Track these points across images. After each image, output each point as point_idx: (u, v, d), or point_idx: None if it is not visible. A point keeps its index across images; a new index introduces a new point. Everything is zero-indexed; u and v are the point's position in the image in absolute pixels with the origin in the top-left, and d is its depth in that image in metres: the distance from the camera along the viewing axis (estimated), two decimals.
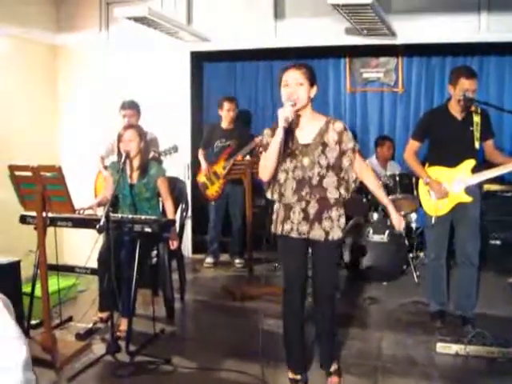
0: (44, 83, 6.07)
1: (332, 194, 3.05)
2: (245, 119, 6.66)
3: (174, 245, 4.30)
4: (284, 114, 2.90)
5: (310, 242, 3.14)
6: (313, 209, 3.05)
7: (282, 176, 3.08)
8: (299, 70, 3.02)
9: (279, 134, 2.91)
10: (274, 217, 3.19)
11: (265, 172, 3.07)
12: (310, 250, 3.21)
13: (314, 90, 3.06)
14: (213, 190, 5.86)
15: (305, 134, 3.07)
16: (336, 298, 3.37)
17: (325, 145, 3.03)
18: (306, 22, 5.64)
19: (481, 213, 4.17)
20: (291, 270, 3.17)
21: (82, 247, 4.10)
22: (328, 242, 3.08)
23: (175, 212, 4.44)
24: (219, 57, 6.55)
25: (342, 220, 3.12)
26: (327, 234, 3.06)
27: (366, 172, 3.20)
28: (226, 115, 5.84)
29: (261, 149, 3.17)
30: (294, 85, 2.99)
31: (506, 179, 5.41)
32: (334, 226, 3.07)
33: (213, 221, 6.01)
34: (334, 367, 3.32)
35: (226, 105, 5.82)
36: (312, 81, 3.04)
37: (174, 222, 4.13)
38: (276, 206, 3.19)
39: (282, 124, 2.89)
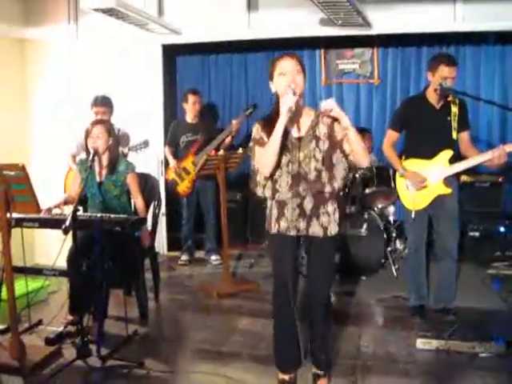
0: (12, 78, 5.89)
1: (328, 189, 2.95)
2: (212, 113, 6.54)
3: (145, 243, 4.17)
4: (288, 103, 2.77)
5: (305, 239, 3.03)
6: (309, 204, 2.95)
7: (276, 172, 2.96)
8: (295, 58, 2.91)
9: (281, 125, 2.80)
10: (268, 215, 3.08)
11: (266, 168, 2.93)
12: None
13: (305, 80, 2.97)
14: (183, 186, 5.72)
15: (298, 126, 2.96)
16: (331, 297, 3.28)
17: (318, 138, 2.93)
18: (280, 13, 5.53)
19: (459, 204, 4.12)
20: (285, 269, 3.01)
21: (54, 246, 3.97)
22: (326, 238, 2.99)
23: (147, 209, 4.32)
24: (192, 50, 6.42)
25: (337, 214, 3.02)
26: (325, 229, 2.97)
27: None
28: (191, 108, 5.72)
29: (251, 143, 3.04)
30: (293, 72, 2.87)
31: (483, 170, 5.36)
32: (332, 221, 2.99)
33: (185, 217, 5.89)
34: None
35: (191, 98, 5.69)
36: (304, 71, 2.95)
37: (144, 220, 4.00)
38: (269, 203, 3.07)
39: (285, 115, 2.77)
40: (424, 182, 3.94)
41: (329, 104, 2.81)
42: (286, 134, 2.88)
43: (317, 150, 2.92)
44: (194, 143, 5.68)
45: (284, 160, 2.93)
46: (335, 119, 2.90)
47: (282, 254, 3.01)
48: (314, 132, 2.94)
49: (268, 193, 3.02)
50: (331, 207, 2.99)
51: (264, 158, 2.94)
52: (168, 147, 5.81)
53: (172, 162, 5.73)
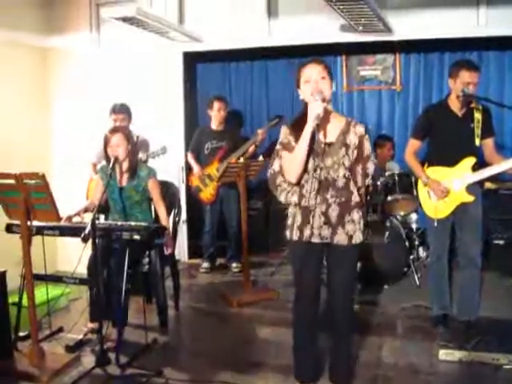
0: (35, 87, 5.93)
1: (355, 198, 2.93)
2: (236, 120, 6.54)
3: (168, 250, 4.17)
4: (316, 110, 2.75)
5: (328, 247, 2.98)
6: (334, 212, 2.91)
7: (301, 177, 2.92)
8: (321, 65, 2.89)
9: (308, 132, 2.78)
10: (290, 221, 3.02)
11: (293, 174, 2.90)
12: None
13: (333, 86, 2.93)
14: (207, 193, 5.71)
15: (327, 132, 2.92)
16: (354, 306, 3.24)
17: (347, 146, 2.89)
18: (300, 19, 5.51)
19: (483, 212, 4.04)
20: (308, 277, 2.98)
21: (76, 254, 3.98)
22: (350, 247, 2.94)
23: (168, 217, 4.32)
24: (212, 57, 6.41)
25: (362, 222, 2.99)
26: (350, 237, 2.93)
27: None
28: (216, 115, 5.70)
29: (278, 146, 3.00)
30: (317, 79, 2.84)
31: (508, 177, 5.26)
32: (357, 230, 2.95)
33: (208, 225, 5.86)
34: None
35: (216, 104, 5.68)
36: (331, 76, 2.92)
37: (164, 228, 3.99)
38: (291, 209, 3.02)
39: (314, 121, 2.75)
40: (446, 192, 3.87)
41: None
42: (314, 138, 2.81)
43: (346, 157, 2.89)
44: (219, 150, 5.67)
45: (311, 165, 2.88)
46: (366, 132, 2.91)
47: (305, 263, 2.95)
48: (344, 139, 2.90)
49: (294, 198, 2.96)
50: (357, 215, 2.95)
51: (291, 164, 2.90)
52: (191, 153, 5.79)
53: (196, 168, 5.72)
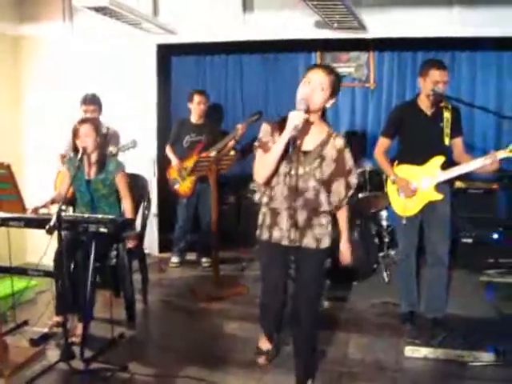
0: (6, 75, 5.83)
1: (324, 208, 2.93)
2: (216, 114, 6.50)
3: (131, 244, 4.13)
4: (295, 120, 2.71)
5: (297, 249, 2.97)
6: (302, 216, 2.91)
7: (273, 179, 2.92)
8: (329, 75, 2.82)
9: (284, 139, 2.75)
10: (260, 221, 3.05)
11: (261, 175, 2.91)
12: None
13: (333, 101, 2.88)
14: (185, 187, 5.65)
15: (307, 141, 2.89)
16: (319, 310, 3.30)
17: (323, 158, 2.88)
18: (275, 14, 5.47)
19: (452, 210, 4.07)
20: (275, 275, 3.04)
21: (44, 245, 3.92)
22: (318, 250, 2.96)
23: (136, 210, 4.27)
24: (187, 50, 6.37)
25: (330, 227, 3.00)
26: (318, 241, 2.94)
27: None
28: (196, 108, 5.64)
29: (256, 143, 2.98)
30: (315, 86, 2.80)
31: (477, 176, 5.32)
32: (325, 234, 2.96)
33: (182, 220, 5.80)
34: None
35: (197, 98, 5.62)
36: (335, 91, 2.85)
37: (131, 221, 3.95)
38: (263, 209, 3.03)
39: (289, 131, 2.72)
40: (414, 190, 3.90)
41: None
42: (294, 143, 2.78)
43: (318, 169, 2.87)
44: (198, 144, 5.62)
45: (283, 170, 2.87)
46: (345, 146, 2.90)
47: (272, 261, 3.04)
48: (321, 150, 2.89)
49: (265, 199, 2.97)
50: (324, 219, 2.96)
51: (262, 165, 2.90)
52: (170, 146, 5.73)
53: (174, 160, 5.66)
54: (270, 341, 3.38)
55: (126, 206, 4.09)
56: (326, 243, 2.97)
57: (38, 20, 5.93)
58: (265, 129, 2.97)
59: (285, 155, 2.83)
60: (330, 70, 2.86)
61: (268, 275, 3.07)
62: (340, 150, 2.90)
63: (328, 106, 2.89)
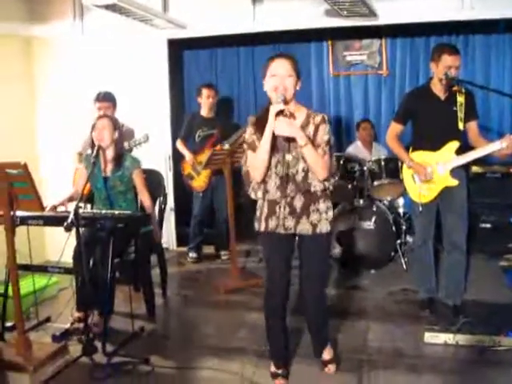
0: (19, 76, 5.88)
1: (317, 187, 2.94)
2: (226, 107, 6.51)
3: (156, 238, 4.17)
4: (274, 110, 2.78)
5: (297, 237, 3.03)
6: (299, 202, 2.94)
7: (265, 174, 2.95)
8: (288, 60, 2.88)
9: (268, 133, 2.81)
10: (258, 214, 3.08)
11: (257, 173, 2.94)
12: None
13: (299, 83, 2.93)
14: (200, 181, 5.66)
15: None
16: (326, 294, 3.28)
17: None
18: (285, 5, 5.47)
19: (468, 196, 4.05)
20: (275, 269, 3.04)
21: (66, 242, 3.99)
22: (316, 236, 2.97)
23: (153, 205, 4.30)
24: (198, 44, 6.37)
25: (330, 213, 3.01)
26: (315, 226, 2.96)
27: None
28: (205, 102, 5.65)
29: (245, 146, 3.05)
30: (283, 75, 2.84)
31: (494, 160, 5.27)
32: (322, 219, 2.97)
33: (197, 213, 5.80)
34: (330, 355, 3.27)
35: (205, 91, 5.63)
36: (299, 73, 2.91)
37: (149, 216, 3.98)
38: (259, 202, 3.07)
39: (271, 125, 2.79)
40: (431, 174, 3.87)
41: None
42: (275, 137, 2.86)
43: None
44: (211, 138, 5.62)
45: (273, 161, 2.92)
46: (324, 121, 2.90)
47: (273, 252, 3.06)
48: (303, 132, 2.89)
49: (259, 194, 3.01)
50: (323, 205, 2.98)
51: (255, 163, 2.94)
52: (181, 140, 5.71)
53: (188, 155, 5.65)
54: (279, 367, 3.20)
55: (145, 201, 4.12)
56: (323, 228, 2.98)
57: (48, 20, 5.99)
58: (248, 130, 3.03)
59: (272, 148, 2.89)
60: (287, 56, 2.92)
61: (270, 264, 3.09)
62: (317, 125, 2.91)
63: (297, 88, 2.92)
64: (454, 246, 3.96)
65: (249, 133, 3.02)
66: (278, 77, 2.85)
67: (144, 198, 4.13)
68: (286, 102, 2.83)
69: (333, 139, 2.98)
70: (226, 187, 5.12)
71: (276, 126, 2.80)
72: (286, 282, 3.05)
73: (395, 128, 4.04)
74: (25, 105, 5.95)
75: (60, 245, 3.62)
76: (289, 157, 2.90)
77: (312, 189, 2.93)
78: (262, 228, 3.02)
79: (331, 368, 3.25)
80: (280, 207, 2.94)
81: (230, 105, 6.67)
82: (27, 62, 5.98)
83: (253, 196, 3.06)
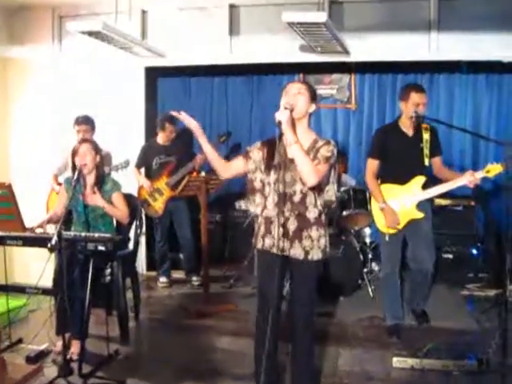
0: None
1: (311, 213, 3.00)
2: (186, 135, 6.56)
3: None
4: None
5: (289, 260, 3.05)
6: (292, 225, 3.00)
7: (266, 188, 3.05)
8: (303, 83, 3.10)
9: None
10: (256, 230, 3.16)
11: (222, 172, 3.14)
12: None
13: (314, 106, 3.03)
14: (156, 207, 5.72)
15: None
16: (314, 321, 3.21)
17: None
18: (261, 38, 5.64)
19: (433, 227, 4.26)
20: (267, 288, 3.02)
21: (32, 266, 3.96)
22: (307, 262, 3.02)
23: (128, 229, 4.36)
24: (174, 72, 6.49)
25: (322, 241, 3.05)
26: (307, 253, 3.01)
27: None
28: (165, 135, 5.73)
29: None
30: (293, 93, 2.96)
31: (455, 193, 5.51)
32: (314, 247, 3.02)
33: (159, 239, 5.85)
34: None
35: (169, 127, 5.69)
36: (313, 96, 3.03)
37: (128, 239, 4.04)
38: (259, 219, 3.14)
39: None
40: (398, 224, 4.08)
41: (280, 115, 2.86)
42: (280, 140, 2.92)
43: None
44: (168, 165, 5.70)
45: (273, 178, 2.99)
46: (327, 144, 2.97)
47: (266, 270, 3.09)
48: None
49: (259, 209, 3.08)
50: (316, 233, 3.02)
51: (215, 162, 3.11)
52: (136, 168, 5.74)
53: (145, 182, 5.69)
54: None
55: (119, 214, 4.15)
56: (315, 256, 3.02)
57: (27, 42, 6.03)
58: (257, 144, 3.16)
59: (271, 163, 2.99)
60: (303, 81, 3.06)
61: (263, 284, 3.14)
62: (321, 146, 2.97)
63: (310, 111, 3.03)
64: (420, 264, 4.18)
65: (254, 145, 3.14)
66: (290, 94, 2.96)
67: (120, 212, 4.16)
68: (291, 112, 2.89)
69: (335, 161, 3.02)
70: (185, 210, 5.12)
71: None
72: (277, 299, 3.04)
73: (372, 164, 4.21)
74: None
75: (28, 267, 3.62)
76: (288, 175, 2.98)
77: (307, 214, 2.98)
78: (259, 245, 3.10)
79: None
80: (275, 227, 2.98)
81: (191, 135, 6.71)
82: (2, 83, 5.99)
83: (251, 209, 3.18)
